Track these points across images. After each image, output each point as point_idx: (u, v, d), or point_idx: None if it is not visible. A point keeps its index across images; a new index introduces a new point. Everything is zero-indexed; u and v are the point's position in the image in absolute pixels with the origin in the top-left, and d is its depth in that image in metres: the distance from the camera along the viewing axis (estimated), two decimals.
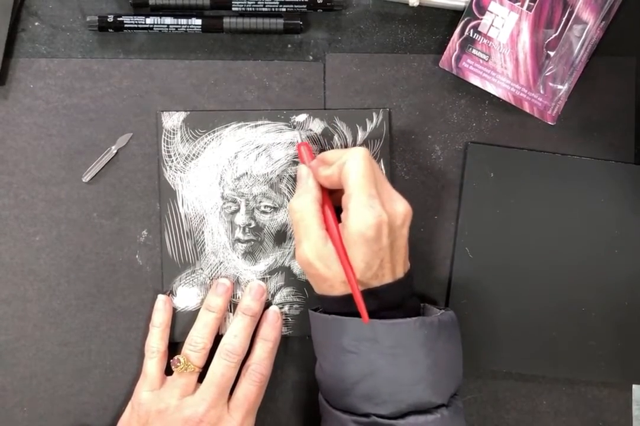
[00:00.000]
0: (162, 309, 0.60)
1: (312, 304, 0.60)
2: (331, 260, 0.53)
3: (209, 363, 0.58)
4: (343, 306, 0.54)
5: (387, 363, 0.53)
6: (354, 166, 0.52)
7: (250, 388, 0.58)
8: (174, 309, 0.61)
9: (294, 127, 0.61)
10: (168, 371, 0.59)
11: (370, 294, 0.53)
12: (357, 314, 0.53)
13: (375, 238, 0.52)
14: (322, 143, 0.61)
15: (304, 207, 0.54)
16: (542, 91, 0.61)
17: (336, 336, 0.54)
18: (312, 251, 0.53)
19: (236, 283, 0.61)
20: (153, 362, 0.58)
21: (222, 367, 0.57)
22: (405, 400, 0.53)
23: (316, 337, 0.57)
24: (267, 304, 0.61)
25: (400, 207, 0.54)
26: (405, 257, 0.55)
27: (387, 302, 0.54)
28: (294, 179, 0.61)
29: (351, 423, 0.54)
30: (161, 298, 0.60)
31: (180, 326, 0.61)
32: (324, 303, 0.56)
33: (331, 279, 0.54)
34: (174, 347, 0.60)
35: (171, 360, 0.58)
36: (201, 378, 0.58)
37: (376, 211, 0.52)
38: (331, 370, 0.55)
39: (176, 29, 0.60)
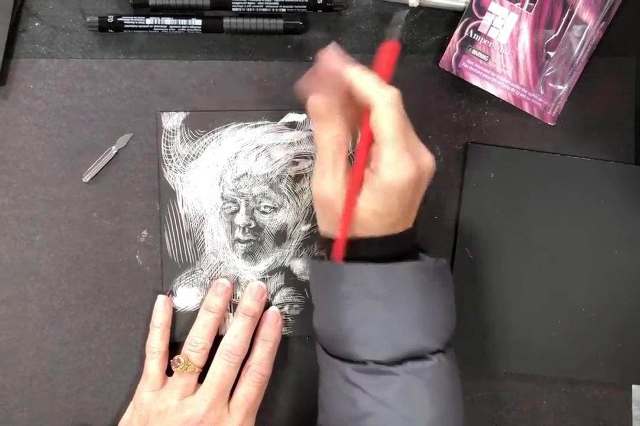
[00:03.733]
0: (162, 309, 0.60)
1: (311, 305, 0.60)
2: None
3: (210, 363, 0.58)
4: (347, 250, 0.53)
5: (383, 307, 0.52)
6: (388, 115, 0.50)
7: (251, 388, 0.58)
8: (174, 309, 0.61)
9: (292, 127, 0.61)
10: (169, 372, 0.59)
11: (379, 242, 0.52)
12: (355, 260, 0.52)
13: (405, 191, 0.51)
14: None
15: (340, 137, 0.51)
16: (542, 91, 0.61)
17: (334, 283, 0.53)
18: (338, 186, 0.51)
19: (236, 283, 0.61)
20: (154, 363, 0.58)
21: (222, 367, 0.57)
22: (401, 345, 0.52)
23: (315, 285, 0.56)
24: (267, 305, 0.61)
25: (429, 161, 0.52)
26: (416, 210, 0.54)
27: (391, 251, 0.53)
28: (293, 179, 0.61)
29: (350, 370, 0.53)
30: (161, 298, 0.60)
31: (180, 326, 0.61)
32: (327, 246, 0.55)
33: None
34: (174, 347, 0.60)
35: (171, 360, 0.58)
36: (202, 378, 0.58)
37: (412, 166, 0.50)
38: (328, 316, 0.54)
39: (176, 29, 0.60)
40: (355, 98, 0.51)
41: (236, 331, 0.58)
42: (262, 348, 0.59)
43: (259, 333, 0.60)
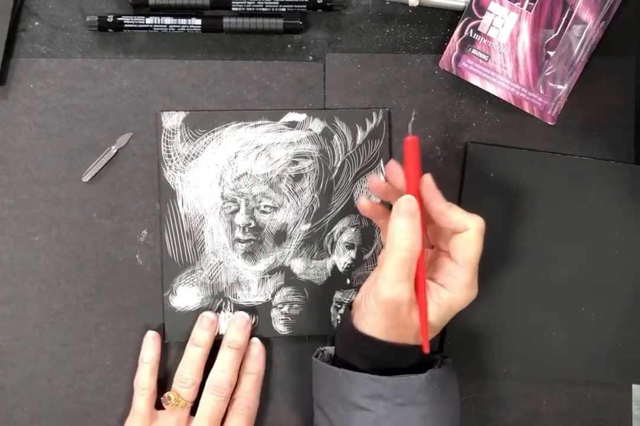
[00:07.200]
0: (151, 345, 0.60)
1: (311, 305, 0.60)
2: (415, 308, 0.53)
3: (200, 396, 0.59)
4: (391, 355, 0.54)
5: (400, 419, 0.53)
6: (478, 241, 0.52)
7: (238, 420, 0.59)
8: (174, 309, 0.61)
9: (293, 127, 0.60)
10: (158, 406, 0.59)
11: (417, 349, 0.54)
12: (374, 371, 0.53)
13: (459, 311, 0.54)
14: (321, 143, 0.61)
15: (418, 248, 0.52)
16: (541, 91, 0.61)
17: (346, 391, 0.54)
18: (410, 292, 0.52)
19: (236, 283, 0.61)
20: (142, 399, 0.59)
21: (212, 401, 0.58)
22: None
23: (320, 389, 0.57)
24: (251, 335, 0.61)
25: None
26: None
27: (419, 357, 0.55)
28: (293, 179, 0.61)
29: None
30: (150, 334, 0.60)
31: (179, 326, 0.61)
32: (364, 346, 0.55)
33: (408, 327, 0.53)
34: (166, 348, 0.60)
35: (162, 398, 0.58)
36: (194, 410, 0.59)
37: (475, 291, 0.54)
38: (336, 419, 0.55)
39: (176, 29, 0.60)
40: (436, 222, 0.53)
41: (223, 365, 0.59)
42: (246, 381, 0.60)
43: (243, 365, 0.60)
